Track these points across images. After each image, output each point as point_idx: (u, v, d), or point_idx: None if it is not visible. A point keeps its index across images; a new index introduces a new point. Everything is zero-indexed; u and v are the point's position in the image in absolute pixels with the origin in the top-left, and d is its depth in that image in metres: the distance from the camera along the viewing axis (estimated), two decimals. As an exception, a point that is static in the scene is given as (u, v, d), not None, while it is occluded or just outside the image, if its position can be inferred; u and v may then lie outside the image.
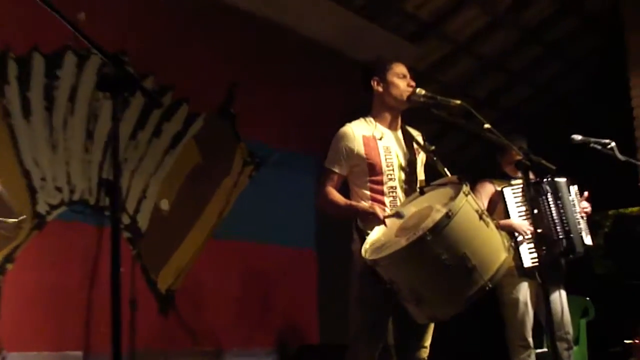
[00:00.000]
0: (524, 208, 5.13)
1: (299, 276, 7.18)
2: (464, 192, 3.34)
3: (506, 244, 3.43)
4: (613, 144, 5.10)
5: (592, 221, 5.42)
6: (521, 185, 5.14)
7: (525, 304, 5.16)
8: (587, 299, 6.66)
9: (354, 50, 6.73)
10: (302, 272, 7.25)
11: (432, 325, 3.87)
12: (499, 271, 3.32)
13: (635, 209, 7.36)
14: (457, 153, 8.37)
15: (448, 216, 3.25)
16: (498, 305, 5.27)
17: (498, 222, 3.54)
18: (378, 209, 3.69)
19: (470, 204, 3.36)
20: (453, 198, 3.37)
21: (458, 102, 3.77)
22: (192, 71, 6.15)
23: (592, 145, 5.14)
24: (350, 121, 3.99)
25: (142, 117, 5.92)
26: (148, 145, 5.99)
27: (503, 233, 3.50)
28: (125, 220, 5.78)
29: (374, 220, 3.68)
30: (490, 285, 3.29)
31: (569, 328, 5.23)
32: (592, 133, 5.22)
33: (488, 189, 5.34)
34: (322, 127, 6.31)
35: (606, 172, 5.53)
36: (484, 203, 5.22)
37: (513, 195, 5.18)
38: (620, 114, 7.57)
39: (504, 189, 5.21)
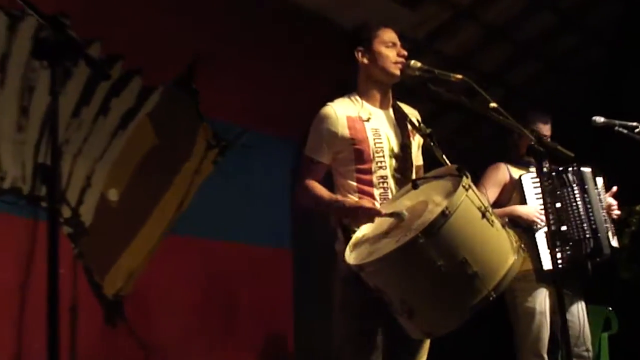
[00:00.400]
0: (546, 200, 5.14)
1: (271, 279, 7.16)
2: (463, 186, 3.31)
3: (515, 245, 3.41)
4: (641, 127, 5.13)
5: (617, 218, 5.44)
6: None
7: (543, 314, 5.19)
8: (610, 309, 6.69)
9: (342, 17, 6.68)
10: (275, 275, 7.23)
11: (427, 341, 3.87)
12: (505, 278, 3.30)
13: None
14: (457, 135, 8.37)
15: (444, 215, 3.21)
16: (509, 314, 5.29)
17: (505, 221, 3.52)
18: (368, 204, 3.67)
19: (472, 200, 3.33)
20: (451, 193, 3.34)
21: (459, 76, 3.76)
22: (147, 38, 6.07)
23: (617, 128, 5.16)
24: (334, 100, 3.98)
25: (87, 91, 5.85)
26: (93, 125, 5.93)
27: (511, 232, 3.48)
28: (66, 212, 5.73)
29: (365, 216, 3.65)
30: (494, 295, 3.27)
31: (589, 344, 5.26)
32: (617, 114, 5.23)
33: (502, 174, 5.34)
34: (304, 107, 6.30)
35: (633, 161, 5.54)
36: (495, 191, 5.22)
37: (532, 184, 5.19)
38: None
39: (522, 176, 5.22)
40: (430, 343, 3.90)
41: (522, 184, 5.18)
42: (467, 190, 3.32)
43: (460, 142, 8.04)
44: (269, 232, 7.19)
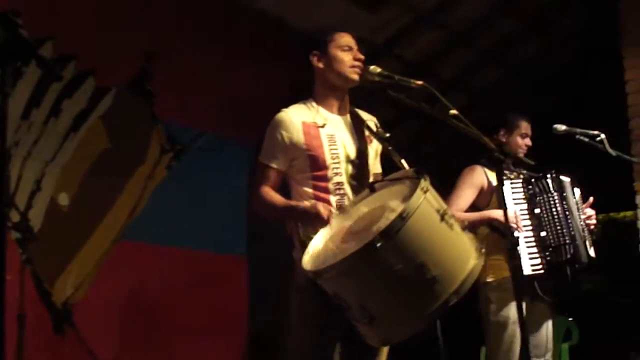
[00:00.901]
0: (525, 206, 5.16)
1: (226, 288, 7.11)
2: (422, 189, 3.29)
3: (475, 247, 3.40)
4: (603, 136, 5.16)
5: (594, 229, 5.48)
6: (520, 181, 5.21)
7: (517, 323, 5.17)
8: (570, 319, 6.72)
9: (301, 20, 6.71)
10: (230, 283, 7.18)
11: (385, 350, 3.84)
12: (466, 282, 3.28)
13: (628, 213, 7.43)
14: (418, 142, 8.39)
15: (402, 218, 3.19)
16: (482, 323, 5.27)
17: (464, 224, 3.50)
18: (322, 208, 3.65)
19: (430, 203, 3.31)
20: (408, 196, 3.32)
21: (420, 82, 3.73)
22: (100, 37, 6.05)
23: (578, 137, 5.19)
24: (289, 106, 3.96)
25: (38, 92, 5.80)
26: (44, 127, 5.88)
27: (471, 235, 3.47)
28: (14, 217, 5.66)
29: (317, 221, 3.64)
30: (455, 300, 3.25)
31: (550, 356, 5.28)
32: (579, 123, 5.25)
33: (479, 177, 5.32)
34: (261, 111, 6.25)
35: (595, 170, 5.58)
36: (472, 193, 5.21)
37: (512, 190, 5.20)
38: (612, 101, 7.63)
39: (504, 182, 5.22)
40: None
41: (502, 191, 5.19)
42: (425, 192, 3.29)
43: (421, 149, 8.06)
44: (224, 238, 7.15)
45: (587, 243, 5.23)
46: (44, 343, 5.70)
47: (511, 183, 5.20)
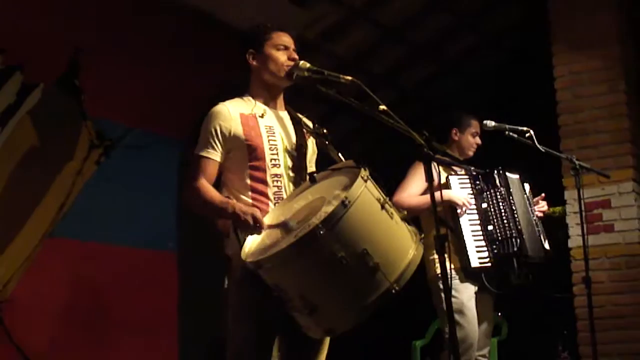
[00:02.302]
0: (473, 201, 5.36)
1: (155, 285, 7.16)
2: (362, 177, 3.35)
3: (414, 237, 3.47)
4: (531, 132, 5.37)
5: (543, 217, 5.71)
6: (467, 176, 5.42)
7: (471, 310, 5.35)
8: (499, 314, 6.89)
9: (229, 15, 6.75)
10: (159, 280, 7.24)
11: (326, 343, 3.91)
12: (407, 270, 3.34)
13: (557, 208, 7.63)
14: (351, 138, 8.45)
15: (344, 205, 3.23)
16: (438, 315, 5.50)
17: (404, 214, 3.63)
18: (258, 214, 3.66)
19: (371, 191, 3.37)
20: (349, 185, 3.37)
21: (349, 78, 3.78)
22: (28, 32, 6.04)
23: (507, 133, 5.39)
24: (225, 100, 4.01)
25: (-37, 87, 5.74)
26: (-30, 122, 5.82)
27: (410, 226, 3.54)
28: (-61, 214, 5.61)
29: (250, 227, 3.64)
30: (396, 288, 3.29)
31: (486, 351, 5.53)
32: (509, 119, 5.47)
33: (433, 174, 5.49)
34: (191, 107, 6.35)
35: (524, 166, 5.76)
36: (422, 184, 5.33)
37: (460, 185, 5.40)
38: (542, 97, 7.88)
39: (450, 177, 5.41)
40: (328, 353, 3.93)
41: (450, 185, 5.38)
42: (365, 181, 3.36)
43: (355, 146, 8.18)
44: (153, 234, 7.18)
45: (542, 237, 5.47)
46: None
47: (458, 178, 5.41)
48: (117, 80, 6.69)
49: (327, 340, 3.91)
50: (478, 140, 5.69)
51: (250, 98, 4.05)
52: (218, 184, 3.96)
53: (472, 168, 5.50)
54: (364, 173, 3.40)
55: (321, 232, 3.22)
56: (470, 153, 5.73)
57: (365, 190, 3.35)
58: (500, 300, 5.68)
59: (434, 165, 5.40)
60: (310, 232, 3.24)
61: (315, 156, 4.13)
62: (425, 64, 9.13)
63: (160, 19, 6.67)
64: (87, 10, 6.32)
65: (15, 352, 5.98)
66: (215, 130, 3.89)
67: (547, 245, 5.52)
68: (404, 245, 3.42)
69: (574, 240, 7.34)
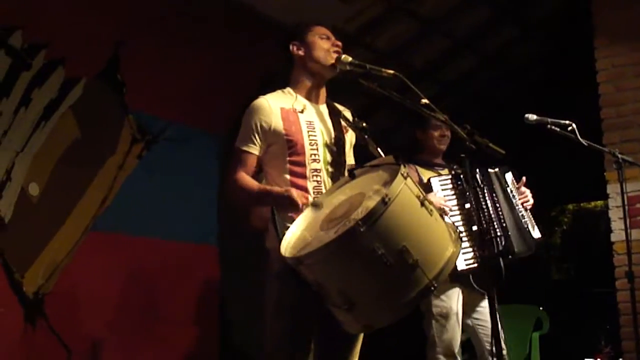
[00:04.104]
0: (454, 202, 5.28)
1: (196, 278, 7.22)
2: (402, 174, 3.36)
3: (453, 235, 3.48)
4: (574, 125, 5.30)
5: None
6: (449, 176, 5.34)
7: (457, 314, 5.30)
8: (541, 308, 6.83)
9: (270, 7, 6.77)
10: (200, 273, 7.29)
11: (361, 338, 3.93)
12: (445, 268, 3.35)
13: (599, 203, 7.57)
14: (391, 132, 8.48)
15: (384, 202, 3.24)
16: (419, 316, 5.38)
17: (442, 211, 3.61)
18: (295, 193, 3.71)
19: (410, 188, 3.38)
20: (389, 182, 3.38)
21: (391, 72, 3.80)
22: (70, 26, 6.07)
23: (549, 127, 5.32)
24: (266, 94, 4.01)
25: (7, 82, 5.83)
26: (14, 116, 5.90)
27: (449, 223, 3.55)
28: (-15, 208, 5.67)
29: (290, 206, 3.70)
30: (435, 285, 3.31)
31: (503, 342, 5.45)
32: (551, 113, 5.41)
33: (412, 176, 5.46)
34: (231, 100, 6.34)
35: (566, 160, 5.71)
36: None
37: (441, 187, 5.31)
38: (584, 90, 7.81)
39: (432, 179, 5.33)
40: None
41: (431, 187, 5.31)
42: (405, 178, 3.36)
43: (395, 139, 8.16)
44: (194, 228, 7.22)
45: (530, 226, 5.38)
46: (15, 333, 5.74)
47: (440, 180, 5.33)
48: (157, 74, 6.73)
49: (362, 335, 3.94)
50: (445, 132, 5.58)
51: (291, 91, 4.08)
52: (258, 178, 3.99)
53: (455, 167, 5.43)
54: (404, 170, 3.41)
55: (361, 230, 3.22)
56: (443, 147, 5.63)
57: (405, 187, 3.36)
58: (542, 295, 5.62)
59: (416, 168, 5.41)
60: (350, 229, 3.24)
61: (352, 150, 4.15)
62: (465, 57, 9.04)
63: (200, 12, 6.70)
64: (128, 4, 6.35)
65: (58, 344, 6.03)
66: (256, 125, 3.92)
67: (536, 234, 5.40)
68: (443, 242, 3.42)
69: (617, 234, 7.26)
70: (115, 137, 6.69)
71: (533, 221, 5.46)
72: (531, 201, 5.47)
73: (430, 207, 3.44)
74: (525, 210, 5.44)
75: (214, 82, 7.05)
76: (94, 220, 6.45)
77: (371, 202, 3.31)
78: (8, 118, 5.87)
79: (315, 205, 3.66)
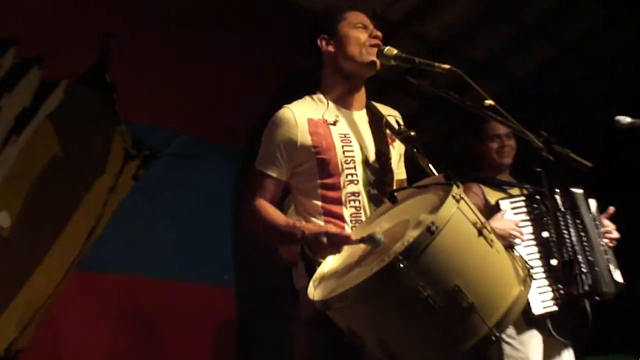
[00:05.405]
0: (530, 229, 5.21)
1: (208, 326, 7.18)
2: (453, 197, 3.26)
3: (521, 272, 3.37)
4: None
5: (614, 247, 5.51)
6: (523, 198, 5.27)
7: None
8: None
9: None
10: (213, 320, 7.25)
11: None
12: (510, 313, 3.24)
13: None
14: (446, 141, 8.46)
15: (430, 231, 3.14)
16: None
17: (508, 242, 3.51)
18: (333, 228, 3.61)
19: (465, 213, 3.29)
20: (438, 206, 3.29)
21: (446, 66, 3.71)
22: (48, 18, 6.08)
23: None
24: (292, 100, 3.95)
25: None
26: (-21, 129, 5.92)
27: (517, 256, 3.44)
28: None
29: (331, 245, 3.59)
30: (497, 334, 3.19)
31: None
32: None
33: (475, 197, 5.37)
34: (251, 108, 6.31)
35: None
36: None
37: (513, 210, 5.24)
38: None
39: (500, 201, 5.28)
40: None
41: (500, 211, 5.21)
42: (458, 201, 3.26)
43: (452, 148, 8.09)
44: (206, 266, 7.19)
45: (611, 266, 5.29)
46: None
47: (511, 202, 5.27)
48: (157, 75, 6.73)
49: None
50: (506, 142, 5.52)
51: (322, 97, 4.00)
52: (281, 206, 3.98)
53: (528, 186, 5.38)
54: (457, 191, 3.30)
55: (401, 265, 3.11)
56: (506, 160, 5.51)
57: (457, 213, 3.25)
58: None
59: (480, 188, 5.33)
60: (388, 266, 3.14)
61: (402, 162, 4.10)
62: (538, 48, 8.92)
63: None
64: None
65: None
66: (279, 142, 3.86)
67: (618, 277, 5.33)
68: (506, 281, 3.32)
69: None
70: (104, 153, 6.69)
71: (615, 262, 5.37)
72: (616, 235, 5.39)
73: (491, 237, 3.32)
74: (609, 246, 5.36)
75: (229, 86, 7.07)
76: (80, 257, 6.43)
77: (415, 232, 3.23)
78: (-29, 130, 5.90)
79: (373, 241, 3.46)
